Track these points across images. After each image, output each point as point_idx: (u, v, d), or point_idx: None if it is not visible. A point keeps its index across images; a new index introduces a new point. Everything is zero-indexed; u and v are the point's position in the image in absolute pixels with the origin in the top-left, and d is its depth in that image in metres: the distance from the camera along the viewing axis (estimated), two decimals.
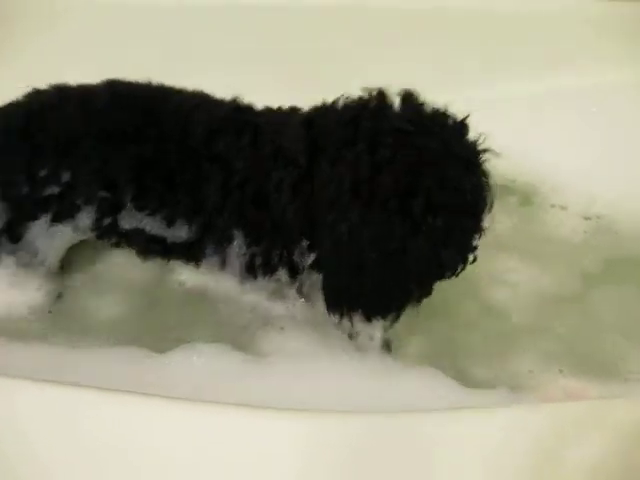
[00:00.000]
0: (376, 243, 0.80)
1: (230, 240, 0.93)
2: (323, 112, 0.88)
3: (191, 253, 0.97)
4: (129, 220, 0.95)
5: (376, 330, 0.96)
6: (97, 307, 1.05)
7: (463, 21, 1.38)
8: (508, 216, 1.21)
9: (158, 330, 1.00)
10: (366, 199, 0.79)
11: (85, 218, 0.96)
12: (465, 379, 0.92)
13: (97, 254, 1.11)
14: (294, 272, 0.93)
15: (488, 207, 0.85)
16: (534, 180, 1.28)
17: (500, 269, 1.11)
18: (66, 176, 0.94)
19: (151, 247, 0.98)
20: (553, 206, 1.25)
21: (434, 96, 1.35)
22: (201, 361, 0.92)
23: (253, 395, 0.84)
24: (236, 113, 0.95)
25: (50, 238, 0.98)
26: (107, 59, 1.16)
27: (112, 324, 1.02)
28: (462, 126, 0.84)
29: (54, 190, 0.94)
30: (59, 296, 1.05)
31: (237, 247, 0.93)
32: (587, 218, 1.23)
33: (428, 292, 0.87)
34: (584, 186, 1.26)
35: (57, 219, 0.96)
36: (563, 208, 1.24)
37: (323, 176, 0.83)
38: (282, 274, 0.94)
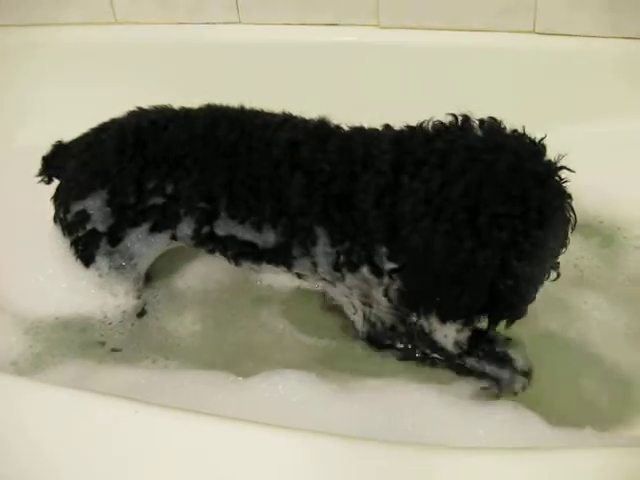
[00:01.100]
0: (445, 254, 0.83)
1: (315, 240, 0.98)
2: (412, 131, 0.93)
3: (280, 256, 1.02)
4: (224, 227, 1.02)
5: (451, 330, 0.98)
6: (177, 325, 1.10)
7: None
8: (592, 255, 1.20)
9: (240, 352, 1.04)
10: (436, 212, 0.83)
11: (186, 228, 1.04)
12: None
13: (174, 266, 1.18)
14: (377, 271, 0.96)
15: (566, 223, 0.87)
16: (618, 220, 1.26)
17: (586, 306, 1.10)
18: (170, 188, 1.02)
19: (244, 251, 1.04)
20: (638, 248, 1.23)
21: None
22: (286, 389, 0.94)
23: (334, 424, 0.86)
24: (322, 126, 1.01)
25: (147, 245, 1.06)
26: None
27: (192, 343, 1.06)
28: (538, 145, 0.87)
29: (158, 201, 1.03)
30: (141, 313, 1.12)
31: (323, 245, 0.98)
32: None
33: (514, 306, 0.88)
34: None
35: (157, 228, 1.05)
36: None
37: (404, 189, 0.87)
38: (365, 271, 0.97)
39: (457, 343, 0.99)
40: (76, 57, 1.45)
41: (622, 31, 1.35)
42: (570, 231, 0.89)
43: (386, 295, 0.97)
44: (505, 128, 0.88)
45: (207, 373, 0.97)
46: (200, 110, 1.06)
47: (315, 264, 1.00)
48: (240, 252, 1.05)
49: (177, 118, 1.06)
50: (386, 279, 0.96)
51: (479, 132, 0.88)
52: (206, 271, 1.19)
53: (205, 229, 1.03)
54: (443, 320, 0.92)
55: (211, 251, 1.08)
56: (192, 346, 1.07)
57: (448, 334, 0.99)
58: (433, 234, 0.83)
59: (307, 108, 1.03)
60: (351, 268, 0.98)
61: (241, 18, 1.43)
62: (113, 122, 1.08)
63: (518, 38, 1.38)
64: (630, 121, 1.37)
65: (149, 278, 1.15)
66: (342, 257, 0.97)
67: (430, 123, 0.91)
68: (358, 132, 1.00)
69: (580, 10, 1.34)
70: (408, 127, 0.94)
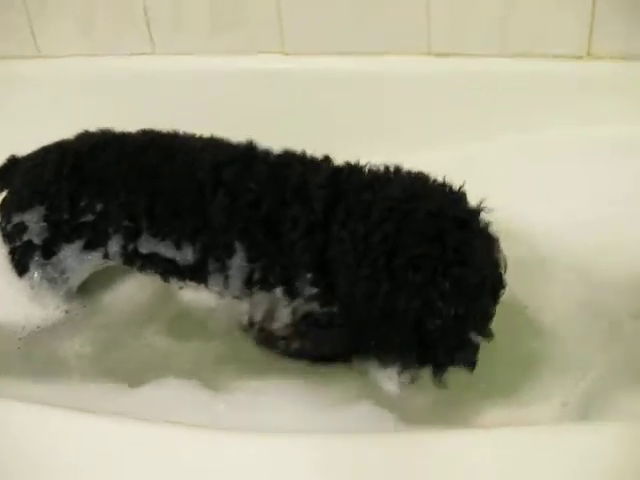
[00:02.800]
0: (367, 298, 0.91)
1: (232, 253, 1.04)
2: (350, 170, 1.02)
3: (197, 272, 1.09)
4: (146, 245, 1.10)
5: (393, 373, 1.02)
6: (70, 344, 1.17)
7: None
8: None
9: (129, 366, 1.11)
10: (359, 259, 0.91)
11: (114, 245, 1.12)
12: None
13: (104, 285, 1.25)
14: (292, 294, 1.02)
15: (493, 263, 0.94)
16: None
17: None
18: (99, 207, 1.11)
19: (167, 268, 1.12)
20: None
21: (437, 151, 1.45)
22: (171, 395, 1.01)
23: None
24: (249, 150, 1.09)
25: (79, 261, 1.15)
26: None
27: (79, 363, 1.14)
28: (458, 193, 0.96)
29: (89, 218, 1.12)
30: None
31: (239, 259, 1.04)
32: None
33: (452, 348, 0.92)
34: None
35: (90, 246, 1.14)
36: None
37: (333, 235, 0.95)
38: (278, 292, 1.03)
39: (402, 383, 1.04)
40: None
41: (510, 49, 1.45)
42: (503, 271, 0.96)
43: (294, 315, 1.04)
44: (429, 179, 0.97)
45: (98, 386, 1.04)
46: (135, 134, 1.17)
47: (228, 278, 1.06)
48: (163, 269, 1.13)
49: (113, 141, 1.16)
50: (298, 302, 1.02)
51: (405, 182, 0.97)
52: (131, 292, 1.27)
53: (130, 246, 1.11)
54: (382, 364, 0.99)
55: (140, 268, 1.16)
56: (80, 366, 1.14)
57: (391, 377, 1.03)
58: (357, 280, 0.91)
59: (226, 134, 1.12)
60: (265, 287, 1.04)
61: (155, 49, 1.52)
62: (60, 143, 1.19)
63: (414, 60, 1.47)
64: (534, 134, 1.47)
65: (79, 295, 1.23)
66: (257, 274, 1.04)
67: (367, 167, 1.01)
68: (294, 158, 1.08)
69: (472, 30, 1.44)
70: (348, 165, 1.03)
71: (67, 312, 1.20)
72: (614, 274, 1.23)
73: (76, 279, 1.19)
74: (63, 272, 1.16)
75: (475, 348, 0.92)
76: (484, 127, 1.46)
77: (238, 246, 1.03)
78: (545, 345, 1.11)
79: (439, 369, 0.93)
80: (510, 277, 0.98)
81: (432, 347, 0.90)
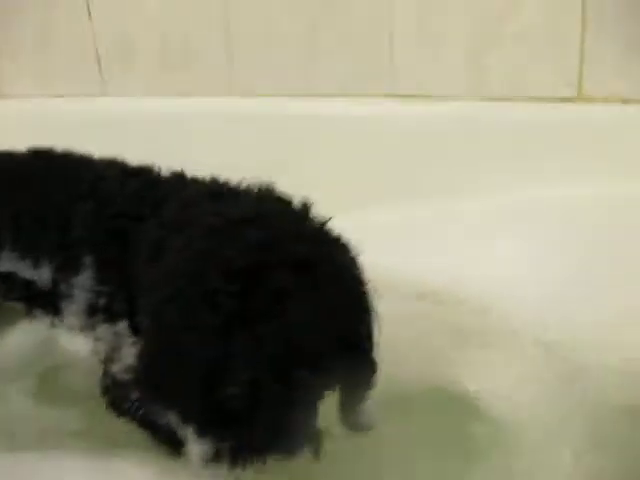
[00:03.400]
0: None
1: (79, 269, 0.88)
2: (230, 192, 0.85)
3: (51, 297, 0.92)
4: (6, 263, 0.95)
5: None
6: None
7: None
8: None
9: None
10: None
11: None
12: None
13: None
14: (136, 331, 0.85)
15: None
16: None
17: None
18: None
19: (26, 294, 0.96)
20: None
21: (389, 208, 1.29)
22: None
23: None
24: (142, 169, 0.95)
25: None
26: None
27: None
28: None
29: None
30: None
31: (85, 278, 0.88)
32: None
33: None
34: None
35: None
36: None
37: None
38: (122, 327, 0.86)
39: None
40: None
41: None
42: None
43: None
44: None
45: None
46: (24, 151, 1.04)
47: (71, 300, 0.90)
48: (22, 295, 0.97)
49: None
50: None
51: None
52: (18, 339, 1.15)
53: None
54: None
55: (4, 296, 0.99)
56: None
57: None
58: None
59: None
60: (108, 318, 0.88)
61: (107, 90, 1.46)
62: None
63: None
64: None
65: None
66: (101, 300, 0.88)
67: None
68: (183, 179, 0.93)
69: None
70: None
71: None
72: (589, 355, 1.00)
73: None
74: None
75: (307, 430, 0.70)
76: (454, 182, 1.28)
77: (88, 261, 0.88)
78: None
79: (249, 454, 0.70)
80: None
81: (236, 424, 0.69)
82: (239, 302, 0.66)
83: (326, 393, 0.74)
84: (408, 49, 1.29)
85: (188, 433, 0.73)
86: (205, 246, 0.72)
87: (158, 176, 0.94)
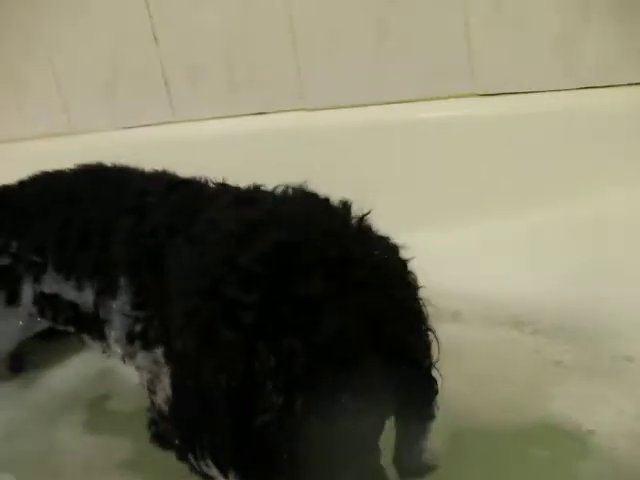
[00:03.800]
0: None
1: (116, 292, 0.83)
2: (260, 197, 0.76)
3: (95, 322, 0.88)
4: (50, 284, 0.92)
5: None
6: None
7: None
8: None
9: None
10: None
11: (28, 289, 0.95)
12: None
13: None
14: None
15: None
16: None
17: None
18: (14, 245, 0.97)
19: (71, 317, 0.92)
20: None
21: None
22: None
23: None
24: (186, 181, 0.90)
25: (2, 320, 0.99)
26: None
27: None
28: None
29: (5, 262, 0.97)
30: None
31: (122, 303, 0.83)
32: None
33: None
34: None
35: (13, 299, 0.97)
36: None
37: None
38: (159, 354, 0.79)
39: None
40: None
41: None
42: None
43: None
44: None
45: None
46: (76, 168, 1.03)
47: (111, 325, 0.85)
48: (68, 318, 0.93)
49: (47, 175, 1.04)
50: None
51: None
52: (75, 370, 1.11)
53: (37, 288, 0.95)
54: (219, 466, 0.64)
55: (53, 319, 0.96)
56: None
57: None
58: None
59: None
60: (145, 345, 0.82)
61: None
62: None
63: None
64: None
65: (21, 366, 1.10)
66: (137, 326, 0.82)
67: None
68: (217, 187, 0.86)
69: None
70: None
71: None
72: None
73: (3, 343, 1.03)
74: None
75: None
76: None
77: (123, 283, 0.82)
78: None
79: None
80: None
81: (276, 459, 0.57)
82: (259, 314, 0.56)
83: (379, 424, 0.62)
84: (487, 40, 1.19)
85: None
86: (218, 254, 0.63)
87: (200, 187, 0.87)
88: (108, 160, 1.49)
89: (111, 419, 0.99)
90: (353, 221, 0.66)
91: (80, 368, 1.09)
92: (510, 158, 1.16)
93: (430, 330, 0.65)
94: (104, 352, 0.91)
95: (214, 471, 0.62)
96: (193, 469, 0.64)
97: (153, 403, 0.82)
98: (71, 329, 0.96)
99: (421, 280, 0.66)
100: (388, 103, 1.25)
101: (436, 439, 0.69)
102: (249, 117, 1.37)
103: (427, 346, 0.65)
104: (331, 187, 1.21)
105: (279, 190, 0.72)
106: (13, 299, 0.97)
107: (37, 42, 1.48)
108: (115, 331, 0.84)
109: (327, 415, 0.55)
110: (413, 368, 0.61)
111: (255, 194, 0.77)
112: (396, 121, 1.25)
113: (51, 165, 1.55)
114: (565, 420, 0.84)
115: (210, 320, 0.58)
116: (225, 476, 0.61)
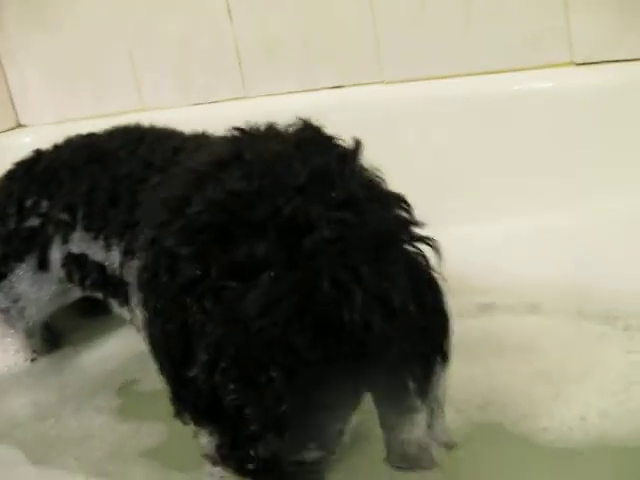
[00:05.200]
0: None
1: (134, 253, 0.79)
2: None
3: (121, 286, 0.85)
4: (79, 243, 0.90)
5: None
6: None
7: None
8: None
9: None
10: None
11: (56, 251, 0.93)
12: None
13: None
14: None
15: None
16: None
17: None
18: (45, 205, 0.94)
19: (98, 280, 0.90)
20: None
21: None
22: None
23: None
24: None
25: (34, 285, 0.95)
26: None
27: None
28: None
29: (35, 222, 0.94)
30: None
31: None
32: None
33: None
34: None
35: (44, 265, 0.94)
36: None
37: None
38: None
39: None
40: None
41: None
42: None
43: None
44: None
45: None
46: (111, 128, 1.00)
47: (133, 290, 0.81)
48: (95, 281, 0.91)
49: (81, 137, 1.02)
50: None
51: None
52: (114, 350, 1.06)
53: (65, 249, 0.92)
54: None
55: (80, 283, 0.93)
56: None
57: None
58: None
59: None
60: None
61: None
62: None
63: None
64: None
65: (56, 341, 1.05)
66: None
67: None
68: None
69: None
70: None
71: (32, 361, 1.01)
72: None
73: (34, 310, 0.98)
74: (16, 300, 0.97)
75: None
76: None
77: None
78: None
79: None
80: None
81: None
82: (192, 269, 0.52)
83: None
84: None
85: None
86: (168, 195, 0.59)
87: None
88: None
89: (141, 404, 0.94)
90: (347, 169, 0.57)
91: (117, 349, 1.05)
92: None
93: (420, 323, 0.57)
94: (130, 320, 0.87)
95: None
96: None
97: None
98: (99, 295, 0.93)
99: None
100: (477, 74, 1.17)
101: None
102: (325, 91, 1.31)
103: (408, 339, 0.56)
104: (411, 164, 1.16)
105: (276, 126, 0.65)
106: (43, 263, 0.94)
107: (110, 20, 1.46)
108: (135, 296, 0.79)
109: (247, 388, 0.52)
110: (375, 365, 0.55)
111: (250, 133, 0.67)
112: (490, 93, 1.16)
113: None
114: None
115: (154, 270, 0.57)
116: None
